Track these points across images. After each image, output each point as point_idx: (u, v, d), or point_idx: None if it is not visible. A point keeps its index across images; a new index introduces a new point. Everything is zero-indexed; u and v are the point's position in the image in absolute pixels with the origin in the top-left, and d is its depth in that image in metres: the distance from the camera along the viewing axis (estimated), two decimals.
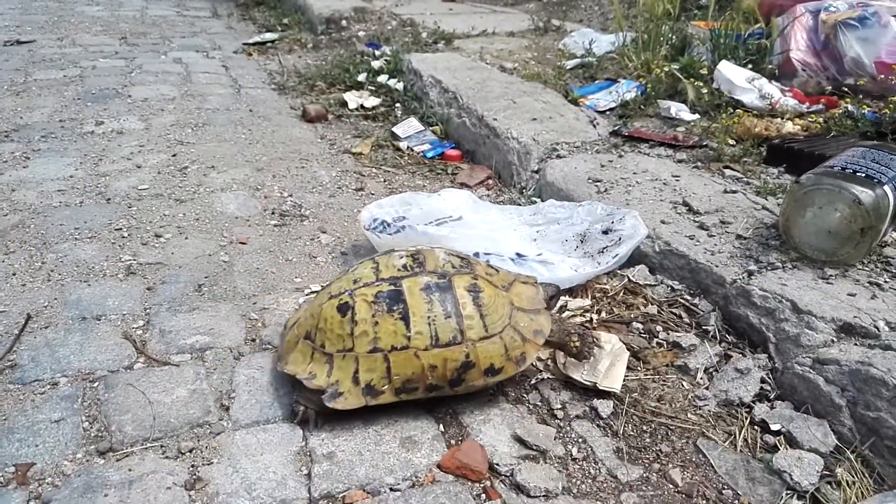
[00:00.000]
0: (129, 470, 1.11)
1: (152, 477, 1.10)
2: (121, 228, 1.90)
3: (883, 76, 2.26)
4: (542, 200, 2.06)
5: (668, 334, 1.50)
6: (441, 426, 1.25)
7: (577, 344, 1.36)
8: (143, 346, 1.43)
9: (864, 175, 1.43)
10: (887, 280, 1.42)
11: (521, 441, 1.22)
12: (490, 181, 2.32)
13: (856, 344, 1.27)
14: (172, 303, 1.59)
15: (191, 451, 1.16)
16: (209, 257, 1.81)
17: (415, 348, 1.21)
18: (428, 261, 1.30)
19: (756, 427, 1.27)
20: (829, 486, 1.13)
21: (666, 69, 2.62)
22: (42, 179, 2.18)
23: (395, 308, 1.22)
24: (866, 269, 1.46)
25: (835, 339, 1.30)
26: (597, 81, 2.82)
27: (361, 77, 3.24)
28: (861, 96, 2.39)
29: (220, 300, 1.62)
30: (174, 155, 2.43)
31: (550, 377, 1.40)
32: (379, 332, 1.21)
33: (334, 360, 1.23)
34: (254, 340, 1.48)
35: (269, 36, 4.33)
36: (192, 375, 1.35)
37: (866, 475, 1.14)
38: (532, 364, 1.38)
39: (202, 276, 1.71)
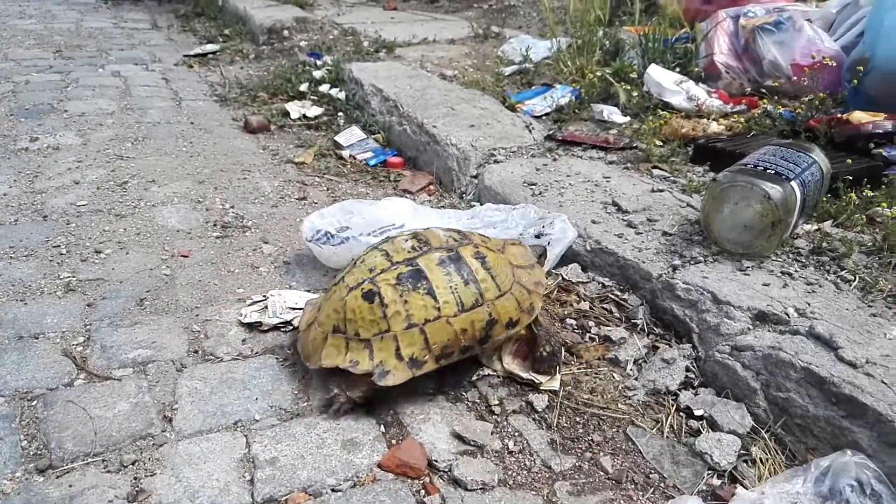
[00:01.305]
0: (70, 486, 1.12)
1: (93, 492, 1.11)
2: (59, 245, 1.89)
3: (798, 77, 2.39)
4: (482, 204, 2.11)
5: (600, 329, 1.57)
6: (382, 427, 1.29)
7: (548, 351, 1.42)
8: (84, 362, 1.44)
9: (773, 172, 1.52)
10: (797, 269, 1.51)
11: (459, 437, 1.27)
12: (432, 187, 2.38)
13: (769, 330, 1.36)
14: (114, 318, 1.59)
15: (133, 464, 1.17)
16: (151, 271, 1.81)
17: (445, 317, 1.31)
18: (431, 239, 1.41)
19: (681, 413, 1.34)
20: (745, 465, 1.21)
21: (599, 74, 2.72)
22: None
23: (419, 285, 1.32)
24: (779, 259, 1.56)
25: (751, 327, 1.39)
26: (534, 87, 2.90)
27: (303, 87, 3.26)
28: (779, 96, 2.52)
29: (162, 314, 1.63)
30: (113, 170, 2.41)
31: (490, 373, 1.45)
32: (410, 309, 1.30)
33: (372, 343, 1.30)
34: (196, 352, 1.49)
35: (210, 47, 4.31)
36: (135, 389, 1.36)
37: (779, 452, 1.22)
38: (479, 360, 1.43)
39: (144, 291, 1.72)
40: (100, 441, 1.21)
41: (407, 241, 1.40)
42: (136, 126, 2.88)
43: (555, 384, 1.41)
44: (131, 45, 4.42)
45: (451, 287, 1.33)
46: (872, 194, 1.72)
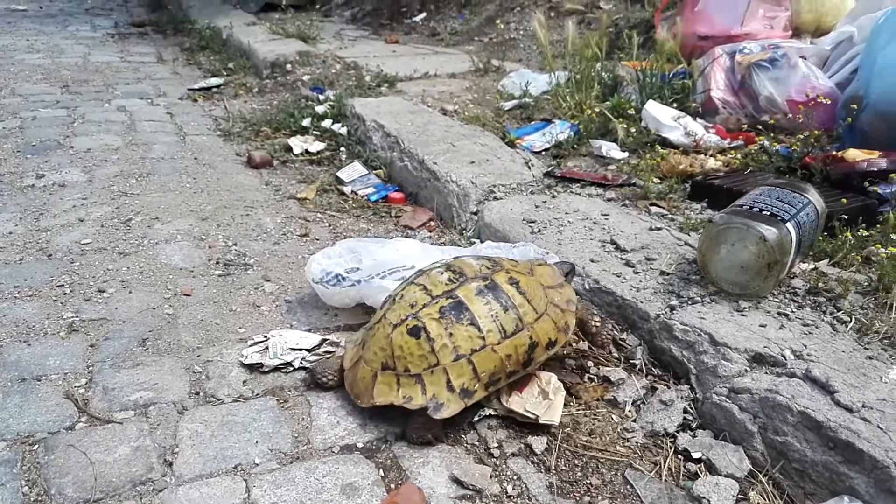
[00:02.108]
0: None
1: None
2: (63, 285, 1.91)
3: (793, 113, 2.42)
4: (482, 241, 2.13)
5: (599, 369, 1.58)
6: (381, 471, 1.30)
7: (598, 324, 1.56)
8: (86, 404, 1.45)
9: (769, 213, 1.54)
10: (794, 310, 1.52)
11: (458, 481, 1.27)
12: (432, 223, 2.40)
13: (766, 372, 1.37)
14: (116, 359, 1.61)
15: None
16: (153, 311, 1.82)
17: (490, 345, 1.37)
18: (465, 269, 1.46)
19: (680, 456, 1.35)
20: None
21: (597, 109, 2.75)
22: None
23: (462, 316, 1.37)
24: (776, 300, 1.57)
25: (748, 369, 1.39)
26: (533, 122, 2.93)
27: (306, 122, 3.30)
28: (776, 132, 2.55)
29: (164, 354, 1.64)
30: (118, 207, 2.44)
31: (490, 414, 1.46)
32: (456, 340, 1.36)
33: (423, 378, 1.35)
34: (198, 394, 1.50)
35: (214, 81, 4.37)
36: (136, 432, 1.37)
37: (777, 497, 1.22)
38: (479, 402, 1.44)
39: (146, 331, 1.73)
40: (100, 487, 1.22)
41: (442, 273, 1.45)
42: (140, 162, 2.91)
43: (554, 418, 1.41)
44: (137, 80, 4.49)
45: (492, 315, 1.39)
46: (867, 233, 1.73)
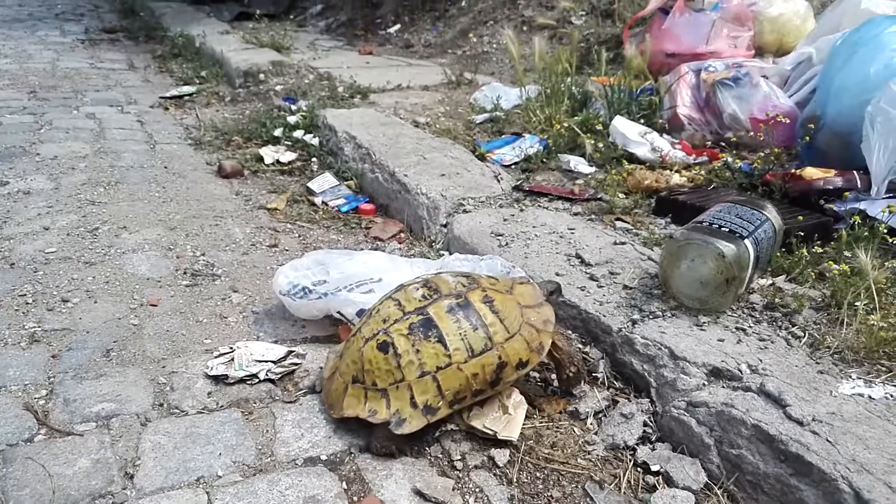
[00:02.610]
0: None
1: None
2: (25, 294, 1.89)
3: (755, 131, 2.48)
4: (451, 254, 2.15)
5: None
6: (344, 483, 1.31)
7: (573, 372, 1.53)
8: (46, 416, 1.43)
9: (727, 230, 1.58)
10: (751, 325, 1.57)
11: (420, 494, 1.28)
12: (402, 234, 2.41)
13: (723, 386, 1.40)
14: (78, 370, 1.59)
15: None
16: (119, 321, 1.81)
17: (456, 363, 1.38)
18: (441, 286, 1.47)
19: (639, 468, 1.37)
20: None
21: (566, 124, 2.79)
22: None
23: (430, 334, 1.39)
24: (735, 314, 1.61)
25: (706, 383, 1.43)
26: (504, 136, 2.97)
27: (278, 132, 3.30)
28: (740, 148, 2.61)
29: (128, 365, 1.63)
30: (85, 216, 2.41)
31: (454, 428, 1.47)
32: (422, 357, 1.37)
33: (389, 393, 1.38)
34: (161, 405, 1.50)
35: (186, 89, 4.35)
36: (97, 444, 1.36)
37: None
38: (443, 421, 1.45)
39: (111, 341, 1.72)
40: (58, 500, 1.21)
41: (418, 289, 1.47)
42: (109, 170, 2.89)
43: (513, 434, 1.43)
44: (107, 87, 4.45)
45: (460, 334, 1.40)
46: (823, 250, 1.78)
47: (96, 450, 1.35)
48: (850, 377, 1.39)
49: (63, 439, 1.37)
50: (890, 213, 1.77)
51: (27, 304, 1.85)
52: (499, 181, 2.46)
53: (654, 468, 1.35)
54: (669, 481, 1.32)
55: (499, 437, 1.43)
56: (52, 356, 1.64)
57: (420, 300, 1.45)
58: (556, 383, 1.60)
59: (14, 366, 1.59)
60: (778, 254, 1.80)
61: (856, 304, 1.54)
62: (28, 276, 1.98)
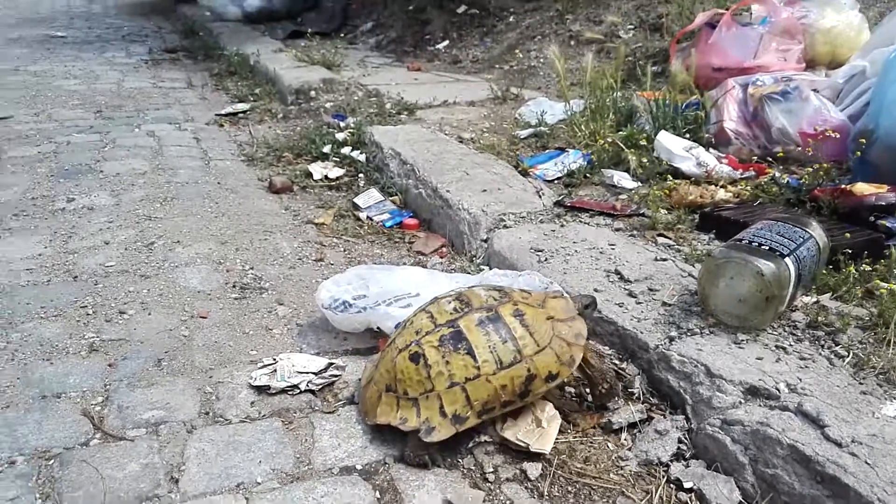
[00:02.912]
0: None
1: None
2: (86, 306, 1.99)
3: (805, 146, 2.43)
4: (490, 268, 2.18)
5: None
6: (377, 493, 1.34)
7: (606, 388, 1.55)
8: (101, 421, 1.51)
9: (767, 248, 1.56)
10: (791, 343, 1.54)
11: None
12: (444, 249, 2.45)
13: (759, 405, 1.39)
14: (132, 378, 1.68)
15: None
16: (170, 332, 1.90)
17: (485, 375, 1.42)
18: (473, 300, 1.51)
19: (672, 485, 1.37)
20: None
21: (610, 139, 2.79)
22: (12, 258, 2.27)
23: (459, 346, 1.43)
24: (775, 332, 1.58)
25: (742, 401, 1.41)
26: (547, 151, 2.98)
27: (327, 148, 3.39)
28: (788, 164, 2.57)
29: (177, 374, 1.71)
30: (142, 230, 2.53)
31: (487, 440, 1.49)
32: (452, 368, 1.42)
33: (419, 402, 1.43)
34: (207, 413, 1.56)
35: (240, 106, 4.50)
36: (146, 449, 1.43)
37: None
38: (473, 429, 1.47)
39: (162, 351, 1.80)
40: (109, 502, 1.28)
41: (450, 302, 1.52)
42: (165, 186, 3.02)
43: (545, 447, 1.44)
44: (167, 105, 4.64)
45: (489, 346, 1.44)
46: (872, 268, 1.74)
47: (145, 454, 1.42)
48: (895, 398, 1.35)
49: (116, 444, 1.45)
50: None
51: (88, 315, 1.95)
52: (540, 197, 2.47)
53: (688, 485, 1.34)
54: (702, 499, 1.31)
55: (531, 450, 1.44)
56: (108, 365, 1.73)
57: (452, 313, 1.49)
58: (590, 398, 1.61)
59: (74, 373, 1.68)
60: (824, 271, 1.77)
61: None
62: (89, 289, 2.09)
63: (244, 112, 4.43)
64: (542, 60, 4.89)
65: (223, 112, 4.41)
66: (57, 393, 1.60)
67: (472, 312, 1.48)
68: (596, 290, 1.83)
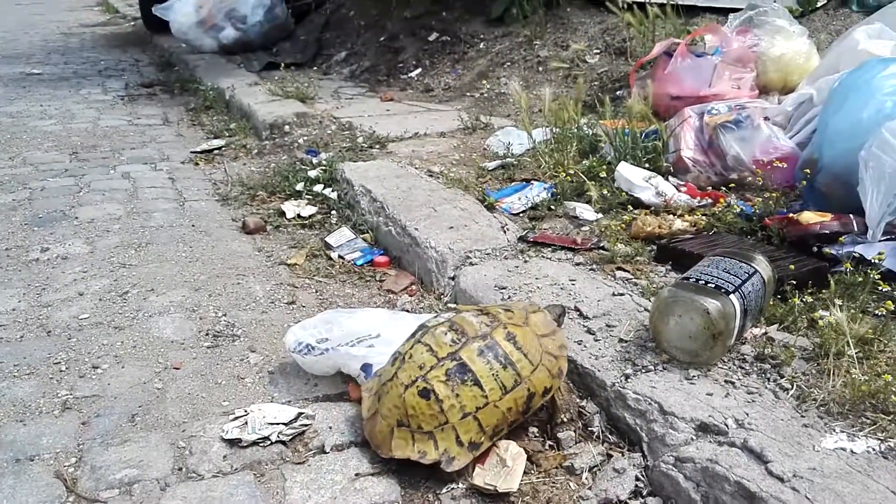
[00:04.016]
0: None
1: None
2: (59, 362, 2.03)
3: (757, 174, 2.52)
4: (458, 306, 2.24)
5: (559, 438, 1.66)
6: None
7: (567, 418, 1.66)
8: (74, 484, 1.55)
9: (713, 286, 1.64)
10: (740, 378, 1.61)
11: None
12: (413, 287, 2.51)
13: (710, 441, 1.45)
14: (105, 436, 1.71)
15: None
16: (144, 385, 1.93)
17: (493, 402, 1.53)
18: (466, 328, 1.60)
19: None
20: None
21: (572, 171, 2.87)
22: None
23: (466, 378, 1.54)
24: (724, 367, 1.65)
25: (693, 438, 1.48)
26: (514, 183, 3.05)
27: (300, 186, 3.44)
28: (744, 190, 2.65)
29: (151, 429, 1.75)
30: (116, 280, 2.57)
31: (459, 487, 1.54)
32: (462, 400, 1.52)
33: (435, 434, 1.52)
34: (180, 470, 1.60)
35: (216, 143, 4.54)
36: None
37: None
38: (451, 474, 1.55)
39: (136, 406, 1.84)
40: None
41: (446, 333, 1.60)
42: (140, 231, 3.06)
43: (512, 485, 1.50)
44: (143, 143, 4.67)
45: (492, 374, 1.54)
46: (816, 297, 1.82)
47: None
48: (834, 431, 1.42)
49: None
50: (880, 259, 1.80)
51: (61, 371, 1.99)
52: (505, 232, 2.54)
53: None
54: None
55: (499, 491, 1.50)
56: (82, 423, 1.76)
57: (451, 345, 1.57)
58: (551, 438, 1.66)
59: (48, 434, 1.72)
60: (772, 302, 1.84)
61: (843, 353, 1.57)
62: (63, 344, 2.13)
63: (219, 148, 4.47)
64: (511, 88, 4.98)
65: (198, 149, 4.45)
66: (30, 455, 1.64)
67: (470, 342, 1.57)
68: None
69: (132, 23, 11.35)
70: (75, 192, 3.60)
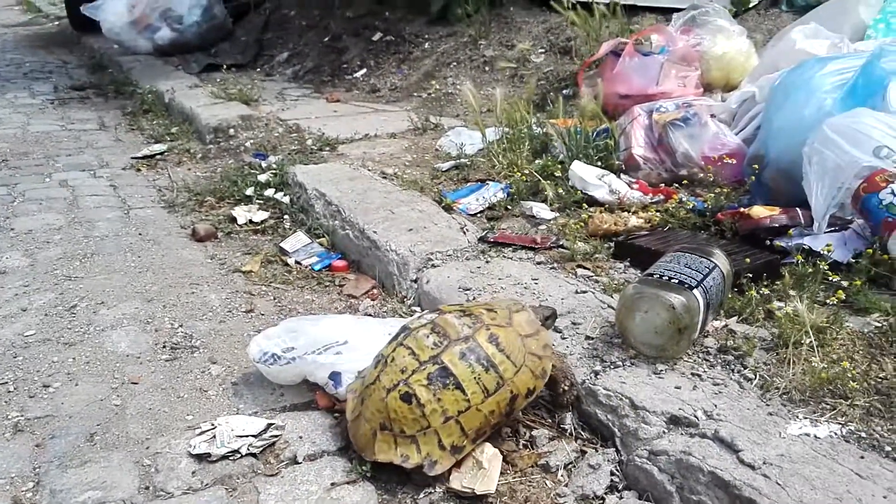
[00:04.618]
0: None
1: None
2: (6, 382, 1.93)
3: (706, 170, 2.60)
4: (422, 309, 2.23)
5: (533, 437, 1.67)
6: None
7: (567, 386, 1.66)
8: None
9: (677, 281, 1.68)
10: (706, 370, 1.66)
11: None
12: (375, 291, 2.49)
13: (682, 434, 1.49)
14: (63, 458, 1.64)
15: None
16: (101, 402, 1.86)
17: (475, 405, 1.52)
18: (449, 330, 1.58)
19: None
20: None
21: (527, 171, 2.90)
22: None
23: (448, 382, 1.52)
24: (690, 360, 1.70)
25: (665, 431, 1.51)
26: (469, 183, 3.07)
27: (250, 191, 3.37)
28: (695, 185, 2.73)
29: (112, 448, 1.68)
30: (62, 293, 2.46)
31: (436, 491, 1.53)
32: (444, 404, 1.51)
33: (417, 438, 1.51)
34: (147, 488, 1.55)
35: (157, 147, 4.40)
36: None
37: None
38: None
39: (94, 425, 1.76)
40: None
41: (428, 336, 1.58)
42: (84, 241, 2.94)
43: (490, 487, 1.51)
44: (79, 149, 4.49)
45: (474, 378, 1.53)
46: (771, 289, 1.89)
47: None
48: (798, 417, 1.48)
49: None
50: (829, 251, 1.88)
51: (9, 392, 1.89)
52: (465, 233, 2.55)
53: None
54: None
55: (477, 493, 1.50)
56: (36, 445, 1.68)
57: (433, 348, 1.56)
58: (526, 437, 1.68)
59: (0, 458, 1.63)
60: (730, 295, 1.90)
61: (801, 342, 1.64)
62: (8, 363, 2.02)
63: (161, 153, 4.33)
64: (458, 87, 4.98)
65: (139, 155, 4.30)
66: None
67: (451, 345, 1.55)
68: None
69: (56, 22, 10.91)
70: (8, 201, 3.43)
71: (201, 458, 1.63)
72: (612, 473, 1.54)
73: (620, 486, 1.52)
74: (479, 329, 1.59)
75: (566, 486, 1.54)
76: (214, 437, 1.67)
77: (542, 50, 4.97)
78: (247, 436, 1.67)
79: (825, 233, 2.06)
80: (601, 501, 1.49)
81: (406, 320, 1.97)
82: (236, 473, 1.59)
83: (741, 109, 2.83)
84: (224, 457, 1.63)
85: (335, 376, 1.80)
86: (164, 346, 2.13)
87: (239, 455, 1.64)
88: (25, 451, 1.66)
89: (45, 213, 3.27)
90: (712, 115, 2.79)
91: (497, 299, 1.91)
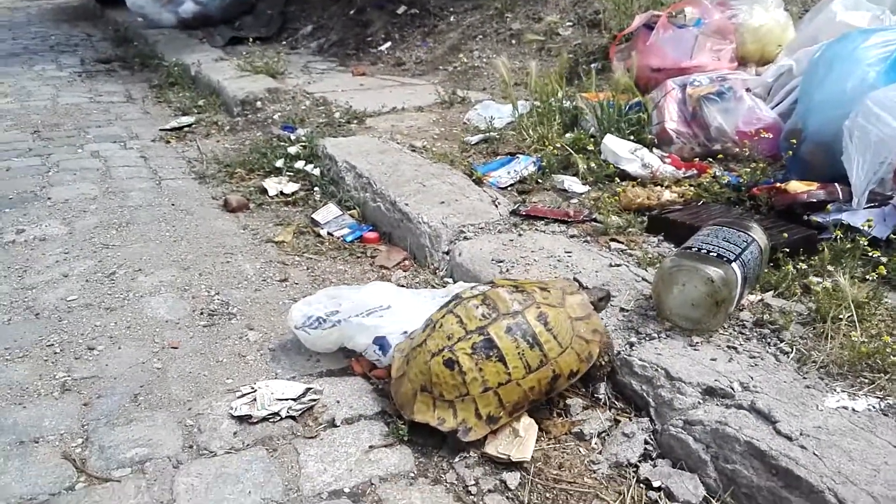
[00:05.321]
0: None
1: None
2: (52, 344, 1.98)
3: (741, 144, 2.58)
4: (454, 281, 2.25)
5: (567, 405, 1.69)
6: None
7: (606, 360, 1.67)
8: (84, 464, 1.53)
9: (715, 255, 1.68)
10: (741, 343, 1.66)
11: None
12: (406, 262, 2.51)
13: (717, 404, 1.50)
14: (110, 416, 1.69)
15: None
16: (143, 365, 1.90)
17: (515, 379, 1.54)
18: (499, 304, 1.60)
19: (641, 484, 1.47)
20: None
21: (558, 144, 2.89)
22: None
23: (491, 354, 1.54)
24: (726, 333, 1.70)
25: (700, 402, 1.52)
26: (499, 157, 3.06)
27: (279, 163, 3.39)
28: (729, 160, 2.71)
29: (156, 409, 1.73)
30: (101, 260, 2.51)
31: (471, 456, 1.56)
32: (485, 375, 1.54)
33: (455, 404, 1.54)
34: (191, 447, 1.59)
35: (185, 120, 4.44)
36: (133, 490, 1.46)
37: None
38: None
39: (137, 386, 1.81)
40: None
41: (478, 307, 1.60)
42: (119, 211, 2.98)
43: (525, 454, 1.53)
44: (108, 121, 4.54)
45: (518, 353, 1.54)
46: (808, 264, 1.88)
47: (134, 495, 1.44)
48: (835, 391, 1.48)
49: (102, 486, 1.46)
50: (869, 227, 1.86)
51: (55, 353, 1.94)
52: (496, 206, 2.55)
53: (656, 484, 1.45)
54: (670, 496, 1.42)
55: (512, 460, 1.53)
56: (83, 404, 1.73)
57: (481, 319, 1.58)
58: (560, 405, 1.70)
59: (49, 416, 1.68)
60: (766, 270, 1.90)
61: (839, 317, 1.63)
62: (53, 326, 2.08)
63: (189, 126, 4.37)
64: (485, 61, 4.96)
65: (168, 127, 4.34)
66: (34, 437, 1.61)
67: (500, 319, 1.57)
68: None
69: None
70: (43, 171, 3.48)
71: (242, 419, 1.67)
72: (645, 442, 1.56)
73: (654, 455, 1.53)
74: (529, 306, 1.60)
75: (600, 453, 1.56)
76: (255, 399, 1.71)
77: (570, 23, 4.91)
78: (286, 399, 1.71)
79: (864, 208, 2.04)
80: (635, 469, 1.51)
81: (451, 288, 2.00)
82: (276, 435, 1.63)
83: (777, 83, 2.79)
84: (264, 419, 1.67)
85: (381, 341, 1.81)
86: (202, 313, 2.18)
87: (279, 417, 1.68)
88: (74, 409, 1.71)
89: (79, 183, 3.32)
90: (747, 89, 2.76)
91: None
